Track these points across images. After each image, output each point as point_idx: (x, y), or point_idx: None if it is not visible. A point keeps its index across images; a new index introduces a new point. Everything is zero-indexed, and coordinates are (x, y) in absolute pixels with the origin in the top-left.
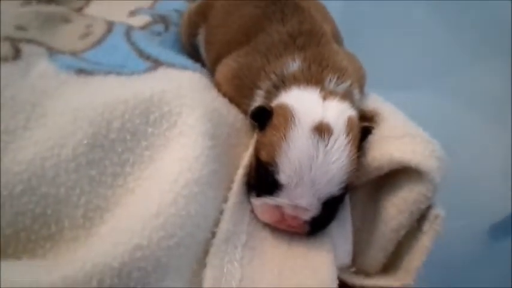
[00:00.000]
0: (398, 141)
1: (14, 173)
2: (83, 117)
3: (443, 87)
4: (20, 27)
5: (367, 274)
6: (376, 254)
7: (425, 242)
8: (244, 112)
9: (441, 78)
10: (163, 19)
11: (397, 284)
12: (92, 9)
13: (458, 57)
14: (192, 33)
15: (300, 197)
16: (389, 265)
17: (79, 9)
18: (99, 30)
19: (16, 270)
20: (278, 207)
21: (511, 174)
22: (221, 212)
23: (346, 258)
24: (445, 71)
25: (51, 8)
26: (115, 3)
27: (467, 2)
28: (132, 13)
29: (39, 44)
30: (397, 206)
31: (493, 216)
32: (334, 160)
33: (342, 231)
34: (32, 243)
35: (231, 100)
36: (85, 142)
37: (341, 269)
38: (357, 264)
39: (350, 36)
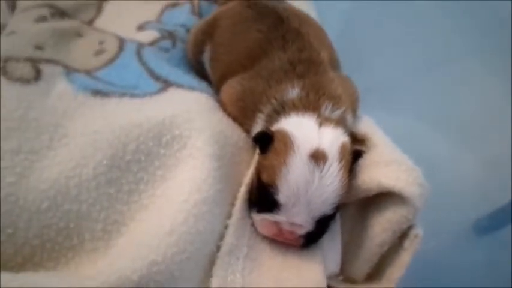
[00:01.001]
0: (386, 167)
1: (41, 190)
2: (102, 140)
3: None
4: (38, 47)
5: (354, 282)
6: (362, 265)
7: (405, 257)
8: (246, 131)
9: None
10: (170, 35)
11: None
12: (102, 21)
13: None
14: (199, 51)
15: (297, 215)
16: (373, 275)
17: (90, 22)
18: (111, 48)
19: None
20: (276, 223)
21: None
22: (225, 227)
23: (335, 267)
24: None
25: (65, 24)
26: (124, 15)
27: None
28: (141, 27)
29: (56, 63)
30: (382, 225)
31: (477, 211)
32: (328, 184)
33: (332, 243)
34: (56, 252)
35: (235, 120)
36: (104, 163)
37: (330, 277)
38: (344, 272)
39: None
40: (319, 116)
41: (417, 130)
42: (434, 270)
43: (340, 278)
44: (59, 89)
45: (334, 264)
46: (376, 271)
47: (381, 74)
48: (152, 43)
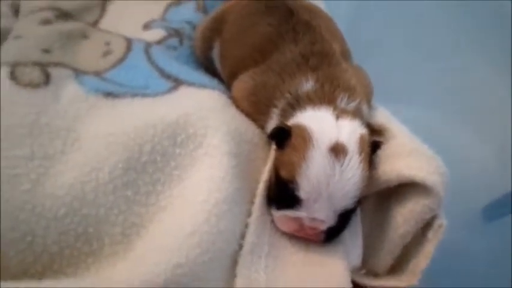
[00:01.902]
0: (406, 157)
1: (57, 196)
2: (117, 143)
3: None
4: (46, 50)
5: (376, 275)
6: (385, 257)
7: (429, 248)
8: (260, 127)
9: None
10: (177, 33)
11: (403, 284)
12: (106, 22)
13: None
14: (207, 48)
15: (318, 211)
16: (396, 267)
17: (95, 23)
18: (119, 48)
19: None
20: (297, 219)
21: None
22: (245, 225)
23: (357, 261)
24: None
25: (70, 25)
26: (128, 14)
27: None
28: (147, 26)
29: (65, 66)
30: (404, 216)
31: (486, 198)
32: (349, 178)
33: (353, 236)
34: (75, 258)
35: (248, 116)
36: (120, 166)
37: (352, 271)
38: (366, 266)
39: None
40: (335, 108)
41: (423, 119)
42: (444, 258)
43: (363, 271)
44: (69, 92)
45: (356, 258)
46: (399, 263)
47: (386, 67)
48: (159, 42)
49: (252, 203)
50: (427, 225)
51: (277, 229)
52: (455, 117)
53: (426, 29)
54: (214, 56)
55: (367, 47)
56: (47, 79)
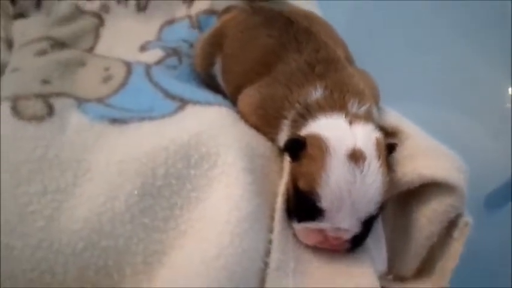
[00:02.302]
0: (424, 157)
1: (74, 231)
2: (129, 169)
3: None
4: (45, 81)
5: (403, 279)
6: (411, 260)
7: (457, 247)
8: (271, 140)
9: None
10: (175, 51)
11: (433, 286)
12: (102, 47)
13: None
14: (209, 64)
15: (342, 220)
16: (423, 269)
17: (90, 49)
18: (119, 72)
19: None
20: (320, 230)
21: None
22: (268, 241)
23: (382, 266)
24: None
25: (67, 54)
26: (123, 37)
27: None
28: (143, 48)
29: (66, 95)
30: (428, 217)
31: (487, 186)
32: (371, 183)
33: (376, 242)
34: None
35: (257, 129)
36: (135, 192)
37: (380, 277)
38: (393, 270)
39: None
40: (347, 114)
41: (424, 115)
42: None
43: (390, 276)
44: (74, 122)
45: (382, 264)
46: (427, 265)
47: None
48: (158, 62)
49: (271, 217)
50: (451, 224)
51: (300, 242)
52: (455, 111)
53: (425, 28)
54: (216, 72)
55: (365, 49)
56: (50, 110)
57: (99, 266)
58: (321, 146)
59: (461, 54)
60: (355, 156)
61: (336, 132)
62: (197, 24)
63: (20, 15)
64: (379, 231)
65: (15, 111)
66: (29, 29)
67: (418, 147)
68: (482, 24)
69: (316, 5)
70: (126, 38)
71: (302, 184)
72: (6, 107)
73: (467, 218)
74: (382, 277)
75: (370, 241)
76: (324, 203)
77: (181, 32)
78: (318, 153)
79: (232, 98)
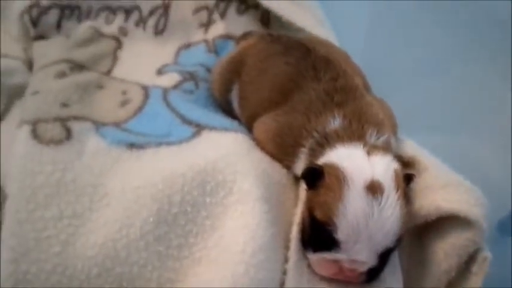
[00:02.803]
0: (443, 189)
1: (89, 257)
2: (146, 195)
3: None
4: (64, 104)
5: None
6: None
7: (476, 282)
8: (286, 167)
9: None
10: (192, 76)
11: None
12: (119, 70)
13: None
14: (226, 90)
15: (359, 252)
16: None
17: (108, 72)
18: (136, 96)
19: None
20: (336, 262)
21: None
22: (283, 271)
23: None
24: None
25: (86, 76)
26: (140, 61)
27: None
28: (160, 71)
29: (85, 119)
30: (445, 250)
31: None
32: (389, 216)
33: (392, 274)
34: None
35: (273, 157)
36: (151, 220)
37: None
38: None
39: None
40: (365, 144)
41: (441, 140)
42: None
43: None
44: (92, 146)
45: None
46: None
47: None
48: (175, 86)
49: (286, 247)
50: (470, 259)
51: (315, 273)
52: (471, 135)
53: (437, 54)
54: (233, 98)
55: (379, 77)
56: (68, 134)
57: None
58: (338, 176)
59: (480, 79)
60: (373, 188)
61: (354, 162)
62: (214, 48)
63: (41, 37)
64: (395, 264)
65: (35, 134)
66: (49, 50)
67: (436, 178)
68: (498, 46)
69: (333, 34)
70: (144, 61)
71: (319, 214)
72: (26, 130)
73: (486, 253)
74: None
75: (386, 273)
76: (341, 234)
77: (198, 56)
78: (336, 183)
79: (247, 125)
